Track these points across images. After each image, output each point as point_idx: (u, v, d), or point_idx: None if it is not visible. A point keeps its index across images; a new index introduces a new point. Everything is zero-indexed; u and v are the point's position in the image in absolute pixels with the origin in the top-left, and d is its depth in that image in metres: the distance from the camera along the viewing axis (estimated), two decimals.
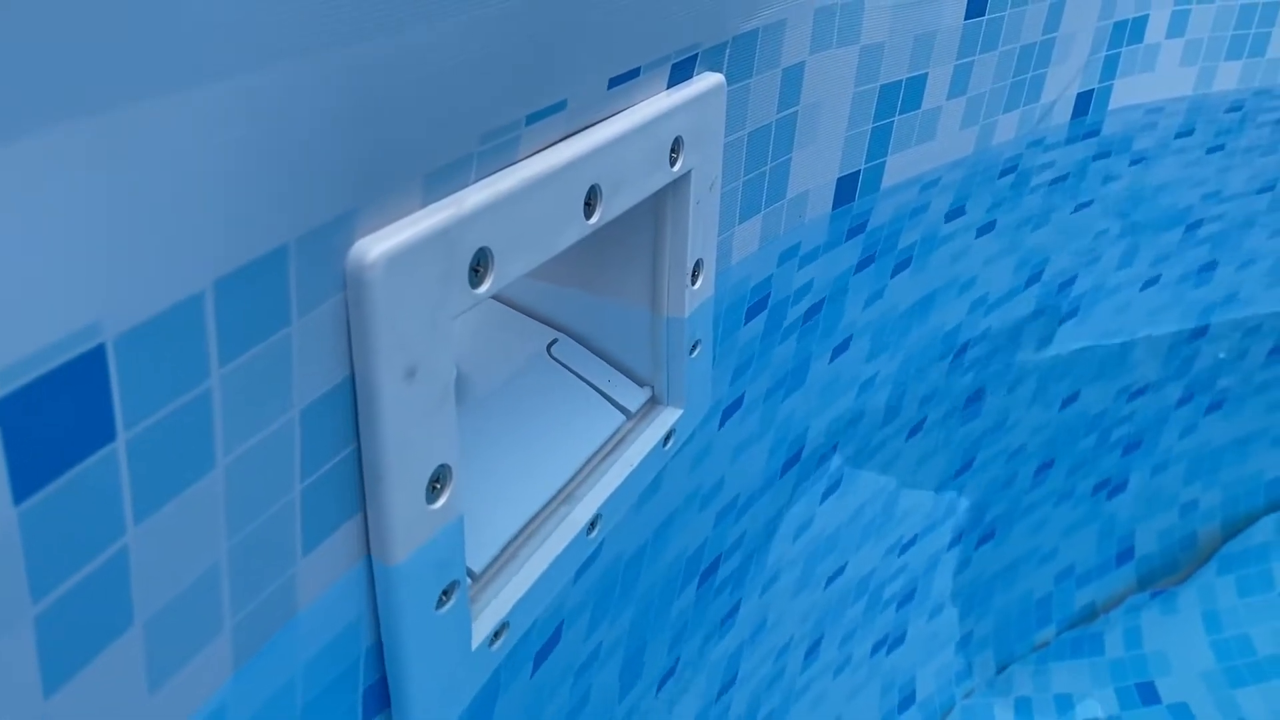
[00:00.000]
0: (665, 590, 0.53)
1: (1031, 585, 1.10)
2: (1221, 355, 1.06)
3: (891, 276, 0.63)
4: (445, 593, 0.30)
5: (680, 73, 0.36)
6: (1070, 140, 0.71)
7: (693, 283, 0.40)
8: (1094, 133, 0.73)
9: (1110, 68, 0.71)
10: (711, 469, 0.52)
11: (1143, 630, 1.13)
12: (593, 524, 0.38)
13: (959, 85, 0.56)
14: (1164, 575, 1.20)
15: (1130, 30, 0.71)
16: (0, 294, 0.16)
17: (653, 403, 0.42)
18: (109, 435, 0.19)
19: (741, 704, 0.71)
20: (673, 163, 0.36)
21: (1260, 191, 0.93)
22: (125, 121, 0.18)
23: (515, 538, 0.35)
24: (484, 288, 0.28)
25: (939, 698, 1.03)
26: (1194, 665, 1.10)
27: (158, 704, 0.22)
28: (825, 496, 0.71)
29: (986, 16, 0.56)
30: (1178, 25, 0.75)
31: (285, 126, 0.21)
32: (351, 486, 0.27)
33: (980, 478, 0.92)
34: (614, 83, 0.32)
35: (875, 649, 0.91)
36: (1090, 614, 1.17)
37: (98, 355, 0.18)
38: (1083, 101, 0.70)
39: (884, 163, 0.54)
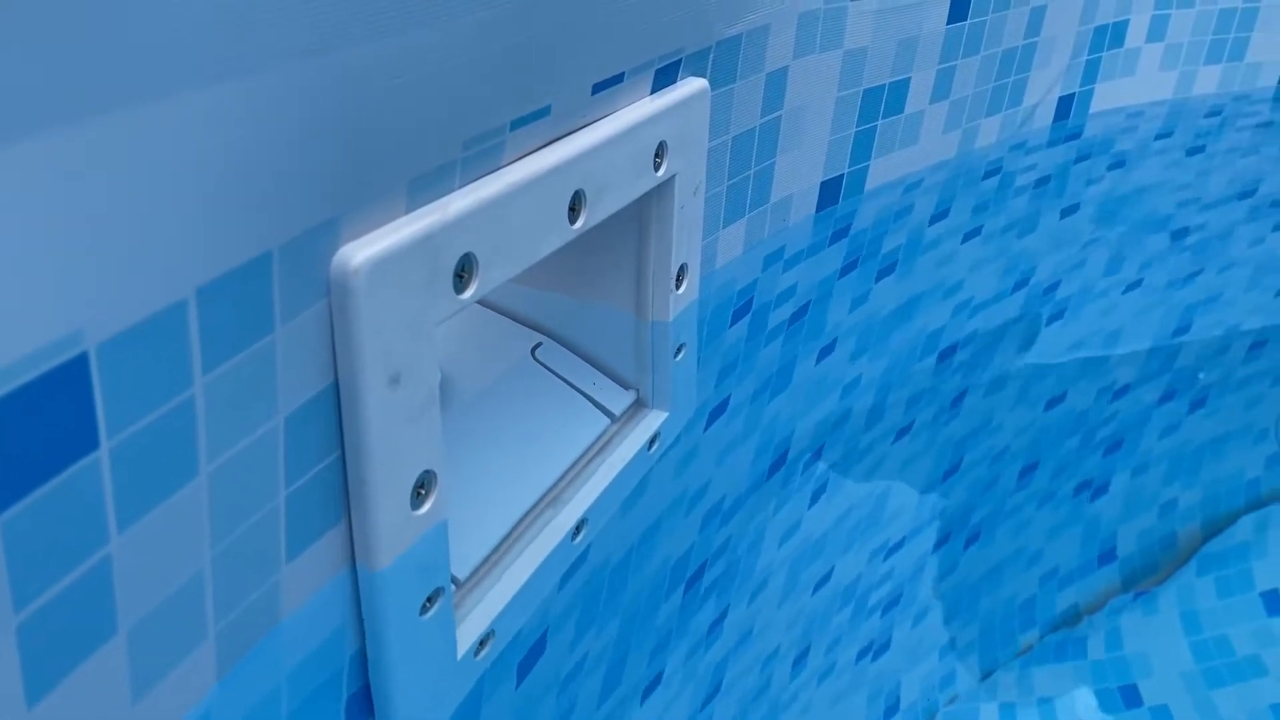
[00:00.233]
0: (651, 596, 0.53)
1: (1016, 588, 1.11)
2: (1201, 375, 1.07)
3: (876, 280, 0.63)
4: (429, 599, 0.30)
5: (664, 78, 0.36)
6: (1052, 143, 0.72)
7: (677, 287, 0.40)
8: (1075, 136, 0.74)
9: (1091, 72, 0.71)
10: (697, 472, 0.52)
11: (1124, 632, 1.14)
12: (578, 529, 0.38)
13: (942, 89, 0.57)
14: (1145, 576, 1.21)
15: (1111, 34, 0.71)
16: None
17: (638, 406, 0.42)
18: (92, 444, 0.19)
19: (727, 713, 0.71)
20: (657, 167, 0.36)
21: (1240, 195, 0.93)
22: (106, 130, 0.18)
23: (500, 543, 0.35)
24: (468, 293, 0.28)
25: (923, 703, 1.03)
26: (1174, 667, 1.10)
27: (141, 712, 0.22)
28: (812, 500, 0.71)
29: (969, 21, 0.56)
30: (1158, 30, 0.75)
31: (268, 134, 0.21)
32: (335, 493, 0.26)
33: (965, 480, 0.92)
34: (598, 88, 0.32)
35: (860, 656, 0.91)
36: (1073, 616, 1.17)
37: (80, 363, 0.18)
38: (1064, 105, 0.71)
39: (867, 166, 0.54)
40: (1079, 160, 0.76)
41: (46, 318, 0.17)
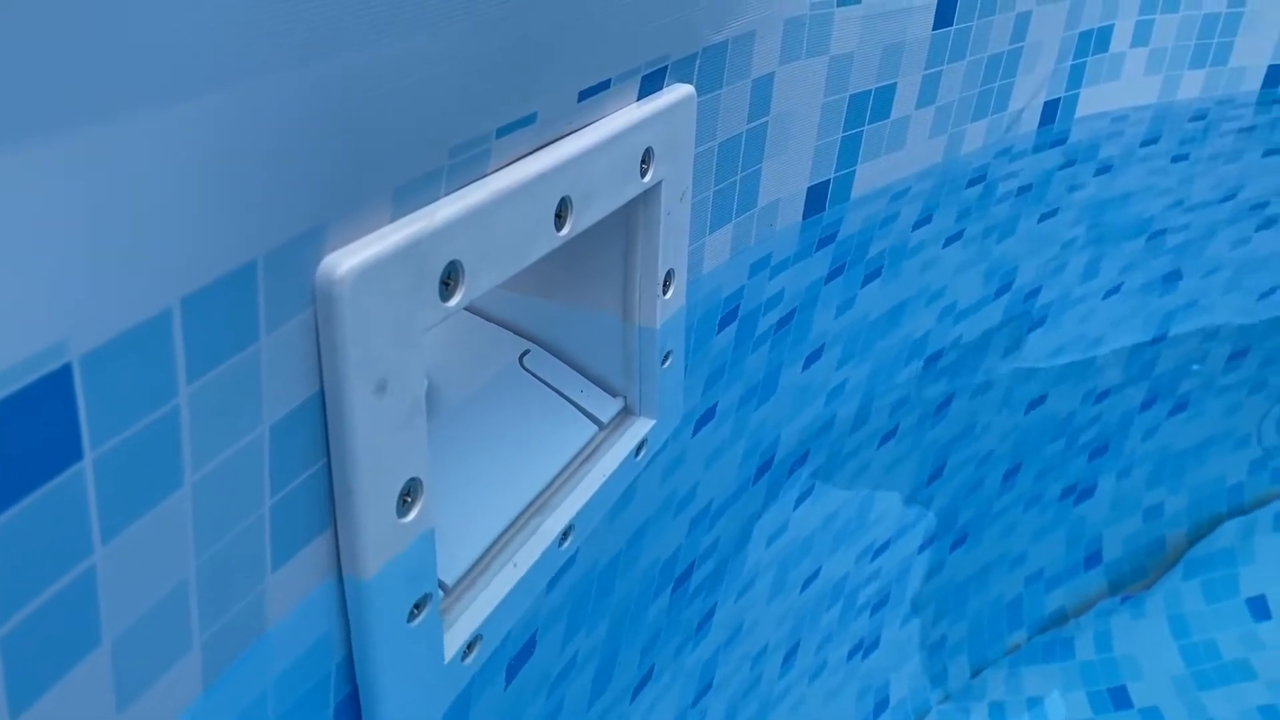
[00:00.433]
0: (640, 599, 0.53)
1: (1003, 589, 1.11)
2: (1196, 367, 1.08)
3: (862, 286, 0.63)
4: (417, 606, 0.30)
5: (650, 84, 0.36)
6: (1038, 148, 0.72)
7: (664, 293, 0.40)
8: (1061, 141, 0.74)
9: (1076, 76, 0.72)
10: (685, 477, 0.53)
11: (1113, 634, 1.15)
12: (565, 535, 0.38)
13: (928, 94, 0.57)
14: (1133, 579, 1.21)
15: (1096, 39, 0.72)
16: None
17: (625, 413, 0.42)
18: (76, 454, 0.19)
19: (718, 710, 0.71)
20: (643, 174, 0.36)
21: (1223, 200, 0.94)
22: (91, 140, 0.17)
23: (488, 550, 0.35)
24: (454, 301, 0.28)
25: (913, 702, 1.03)
26: (1164, 669, 1.11)
27: None
28: (798, 503, 0.71)
29: (954, 26, 0.56)
30: (1142, 34, 0.75)
31: (252, 143, 0.21)
32: (321, 501, 0.26)
33: (951, 483, 0.93)
34: (584, 95, 0.32)
35: (851, 654, 0.91)
36: (1061, 618, 1.18)
37: (64, 375, 0.18)
38: (1049, 110, 0.71)
39: (853, 172, 0.54)
40: (1064, 166, 0.76)
41: (29, 329, 0.17)
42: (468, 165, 0.28)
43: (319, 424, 0.25)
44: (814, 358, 0.62)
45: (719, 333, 0.50)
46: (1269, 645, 1.11)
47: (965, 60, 0.58)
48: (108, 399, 0.19)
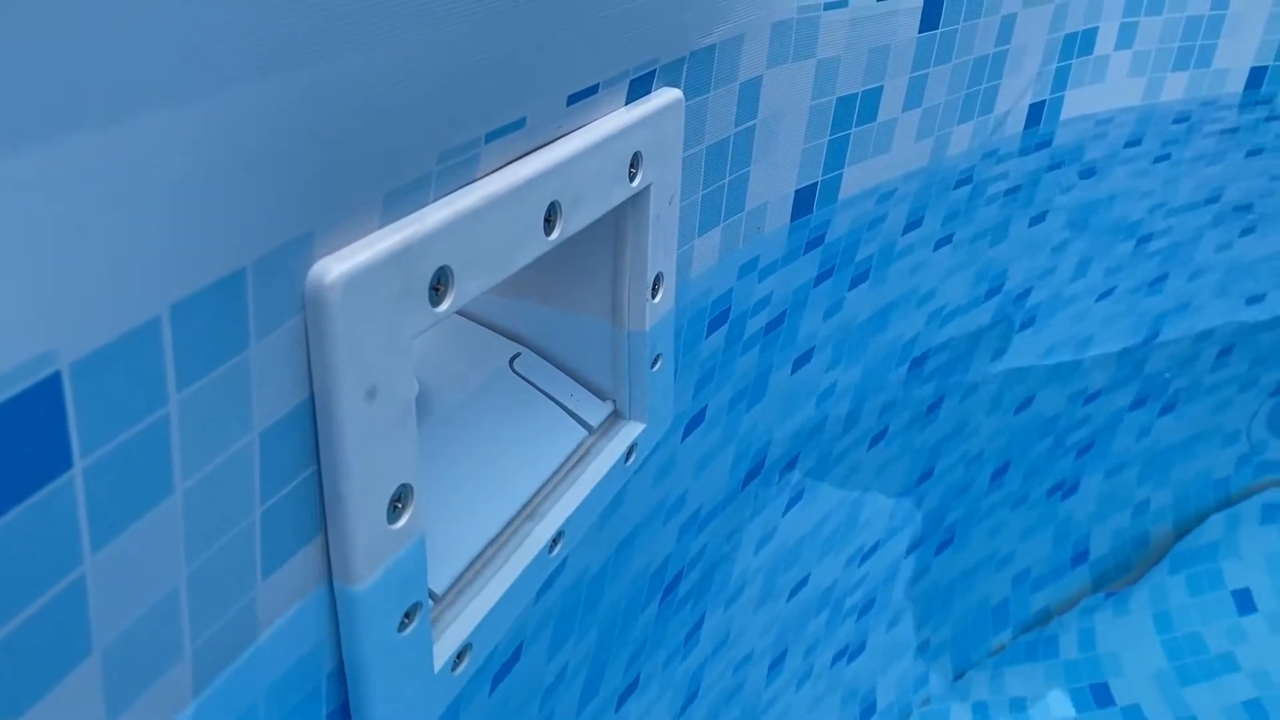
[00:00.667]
0: (629, 606, 0.53)
1: (988, 590, 1.11)
2: (1167, 375, 1.08)
3: (850, 288, 0.63)
4: (407, 615, 0.30)
5: (639, 88, 0.36)
6: (1023, 151, 0.72)
7: (653, 296, 0.40)
8: (1046, 143, 0.74)
9: (1061, 79, 0.72)
10: (674, 483, 0.52)
11: (1096, 631, 1.15)
12: (555, 541, 0.38)
13: (914, 97, 0.57)
14: (1118, 576, 1.22)
15: (1080, 42, 0.72)
16: None
17: (615, 417, 0.42)
18: (65, 464, 0.19)
19: (704, 719, 0.71)
20: (632, 178, 0.36)
21: (1207, 201, 0.94)
22: (78, 148, 0.17)
23: (477, 556, 0.35)
24: (444, 306, 0.28)
25: (898, 705, 1.04)
26: (1146, 665, 1.11)
27: None
28: (788, 508, 0.71)
29: (940, 29, 0.56)
30: (1126, 37, 0.76)
31: (241, 149, 0.21)
32: (312, 508, 0.26)
33: (940, 485, 0.93)
34: (573, 99, 0.32)
35: (836, 659, 0.91)
36: (1045, 617, 1.18)
37: (53, 383, 0.18)
38: (1035, 112, 0.71)
39: (841, 174, 0.55)
40: (1050, 168, 0.77)
41: (18, 338, 0.17)
42: (457, 170, 0.28)
43: (309, 430, 0.25)
44: (803, 360, 0.62)
45: (708, 336, 0.50)
46: (1253, 638, 1.11)
47: (951, 63, 0.59)
48: (97, 407, 0.19)
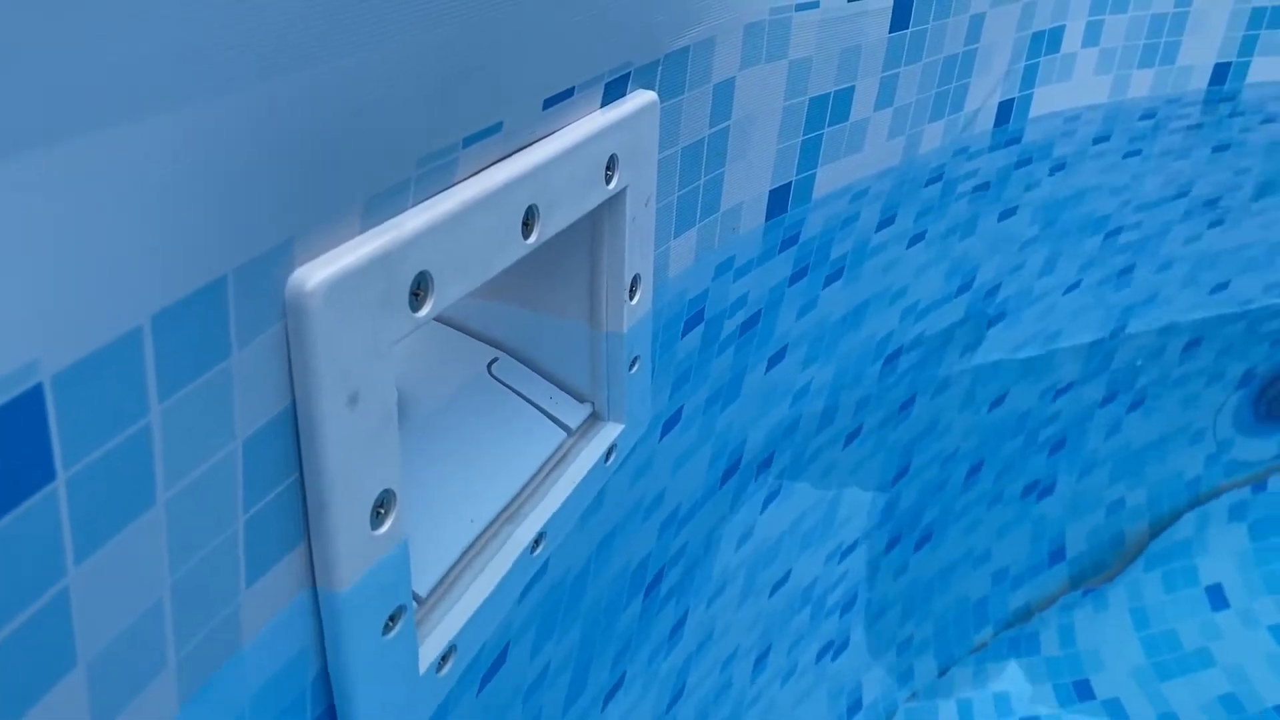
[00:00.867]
0: (611, 605, 0.53)
1: (968, 587, 1.12)
2: (1139, 364, 1.10)
3: (824, 287, 0.64)
4: (391, 618, 0.30)
5: (614, 91, 0.36)
6: (993, 148, 0.73)
7: (630, 298, 0.40)
8: (1016, 140, 0.75)
9: (1030, 77, 0.73)
10: (653, 482, 0.53)
11: (1076, 628, 1.16)
12: (536, 542, 0.38)
13: (885, 96, 0.57)
14: (1095, 574, 1.23)
15: (1048, 40, 0.73)
16: None
17: (594, 419, 0.42)
18: (48, 475, 0.19)
19: (690, 716, 0.71)
20: (608, 180, 0.36)
21: (1175, 196, 0.96)
22: (58, 157, 0.17)
23: (460, 560, 0.35)
24: (424, 311, 0.28)
25: (884, 701, 1.04)
26: (1125, 661, 1.12)
27: None
28: (765, 505, 0.72)
29: (910, 29, 0.57)
30: (1092, 35, 0.77)
31: (220, 158, 0.20)
32: (295, 515, 0.26)
33: (916, 482, 0.93)
34: (549, 103, 0.32)
35: (821, 655, 0.92)
36: (1025, 614, 1.19)
37: (35, 395, 0.18)
38: (1004, 110, 0.72)
39: (814, 174, 0.55)
40: (1019, 165, 0.77)
41: (0, 350, 0.17)
42: (435, 175, 0.28)
43: (291, 438, 0.25)
44: (778, 359, 0.63)
45: (684, 336, 0.50)
46: (1227, 635, 1.13)
47: (921, 62, 0.59)
48: (80, 418, 0.19)
